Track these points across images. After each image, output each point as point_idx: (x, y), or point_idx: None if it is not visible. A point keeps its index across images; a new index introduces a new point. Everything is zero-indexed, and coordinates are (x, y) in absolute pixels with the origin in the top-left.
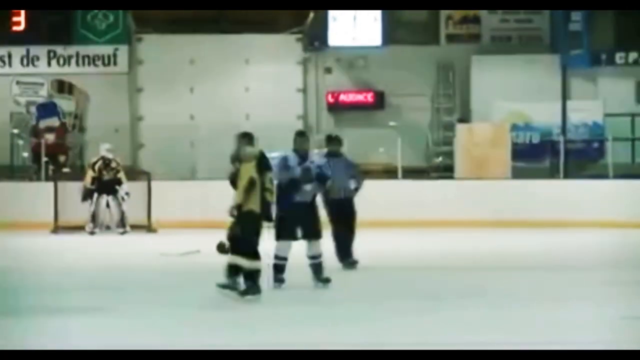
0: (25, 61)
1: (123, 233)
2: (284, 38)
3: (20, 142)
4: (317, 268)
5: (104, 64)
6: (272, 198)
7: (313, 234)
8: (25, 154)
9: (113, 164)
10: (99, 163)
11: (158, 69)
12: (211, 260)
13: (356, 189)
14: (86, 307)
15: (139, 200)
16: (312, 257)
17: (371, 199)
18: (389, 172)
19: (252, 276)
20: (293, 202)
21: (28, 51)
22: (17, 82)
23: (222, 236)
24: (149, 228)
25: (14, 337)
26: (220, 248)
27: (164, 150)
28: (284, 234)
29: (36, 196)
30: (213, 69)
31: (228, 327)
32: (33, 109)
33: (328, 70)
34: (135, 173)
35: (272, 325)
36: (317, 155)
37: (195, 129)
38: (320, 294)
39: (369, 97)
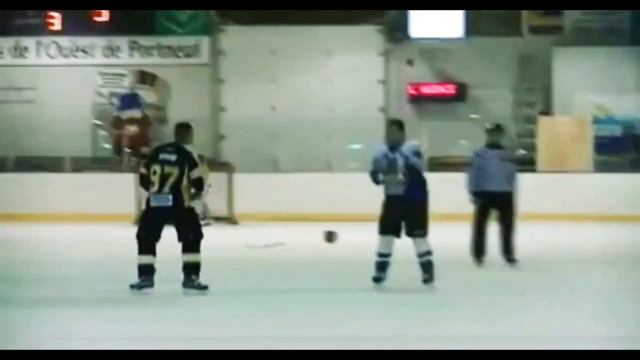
0: (107, 52)
1: (205, 225)
2: (365, 29)
3: (102, 133)
4: (424, 266)
5: (185, 55)
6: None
7: (413, 231)
8: (107, 146)
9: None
10: None
11: (240, 60)
12: (297, 252)
13: (511, 183)
14: (165, 297)
15: (220, 192)
16: (419, 256)
17: (453, 191)
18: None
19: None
20: (387, 195)
21: (110, 42)
22: (100, 73)
23: (305, 228)
24: (230, 220)
25: (89, 326)
26: (328, 237)
27: (246, 142)
28: (380, 228)
29: (118, 188)
30: (295, 60)
31: (306, 319)
32: (115, 100)
33: (409, 62)
34: (216, 165)
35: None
36: (408, 145)
37: (277, 120)
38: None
39: (451, 89)
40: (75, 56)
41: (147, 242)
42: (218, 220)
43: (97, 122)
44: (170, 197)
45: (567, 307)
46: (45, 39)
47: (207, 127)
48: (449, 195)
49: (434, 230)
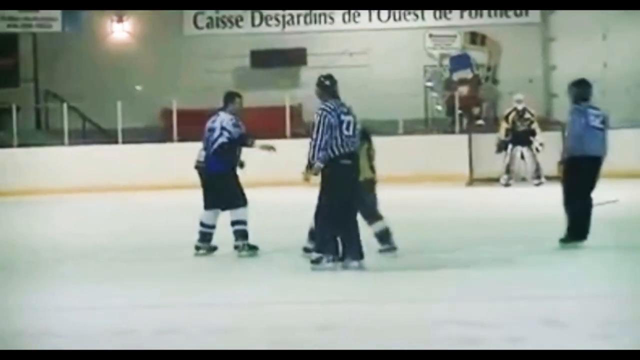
0: (437, 14)
1: (538, 184)
2: None
3: (434, 94)
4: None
5: (515, 14)
6: None
7: None
8: (439, 107)
9: (527, 115)
10: (513, 114)
11: (570, 17)
12: (627, 210)
13: None
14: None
15: (553, 150)
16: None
17: None
18: None
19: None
20: None
21: None
22: (430, 35)
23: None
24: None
25: None
26: None
27: None
28: None
29: (451, 149)
30: (626, 15)
31: None
32: (446, 62)
33: None
34: (549, 123)
35: None
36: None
37: (608, 77)
38: None
39: None
40: (406, 19)
41: None
42: (549, 179)
43: (429, 84)
44: None
45: None
46: None
47: (539, 86)
48: None
49: None
